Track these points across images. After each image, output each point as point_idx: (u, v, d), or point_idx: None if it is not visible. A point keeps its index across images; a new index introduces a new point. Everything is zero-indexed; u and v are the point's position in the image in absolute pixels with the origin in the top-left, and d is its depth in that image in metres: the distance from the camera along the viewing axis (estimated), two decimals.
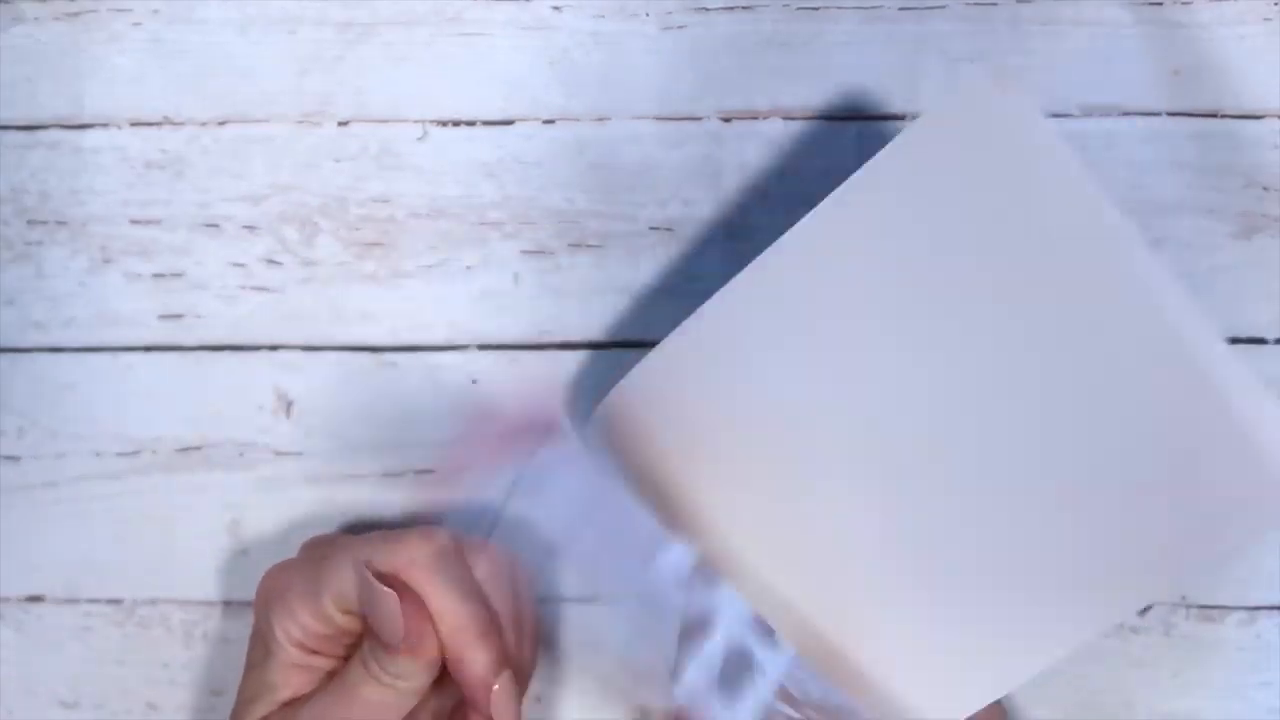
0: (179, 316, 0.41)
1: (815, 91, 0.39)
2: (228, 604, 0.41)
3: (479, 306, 0.40)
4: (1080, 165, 0.25)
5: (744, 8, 0.39)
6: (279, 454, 0.41)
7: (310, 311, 0.40)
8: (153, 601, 0.41)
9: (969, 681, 0.27)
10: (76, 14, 0.41)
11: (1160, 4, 0.39)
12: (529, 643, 0.36)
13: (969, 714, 0.28)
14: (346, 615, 0.34)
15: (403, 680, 0.34)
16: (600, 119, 0.40)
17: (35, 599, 0.42)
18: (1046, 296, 0.25)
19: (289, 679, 0.35)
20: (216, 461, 0.41)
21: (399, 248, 0.40)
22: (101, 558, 0.41)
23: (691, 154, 0.40)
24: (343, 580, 0.33)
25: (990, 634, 0.26)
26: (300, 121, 0.40)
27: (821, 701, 0.29)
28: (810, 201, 0.39)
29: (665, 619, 0.33)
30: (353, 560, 0.33)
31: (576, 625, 0.41)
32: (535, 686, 0.41)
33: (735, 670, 0.31)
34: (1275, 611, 0.40)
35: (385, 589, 0.32)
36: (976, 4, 0.39)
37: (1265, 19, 0.39)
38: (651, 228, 0.40)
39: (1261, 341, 0.39)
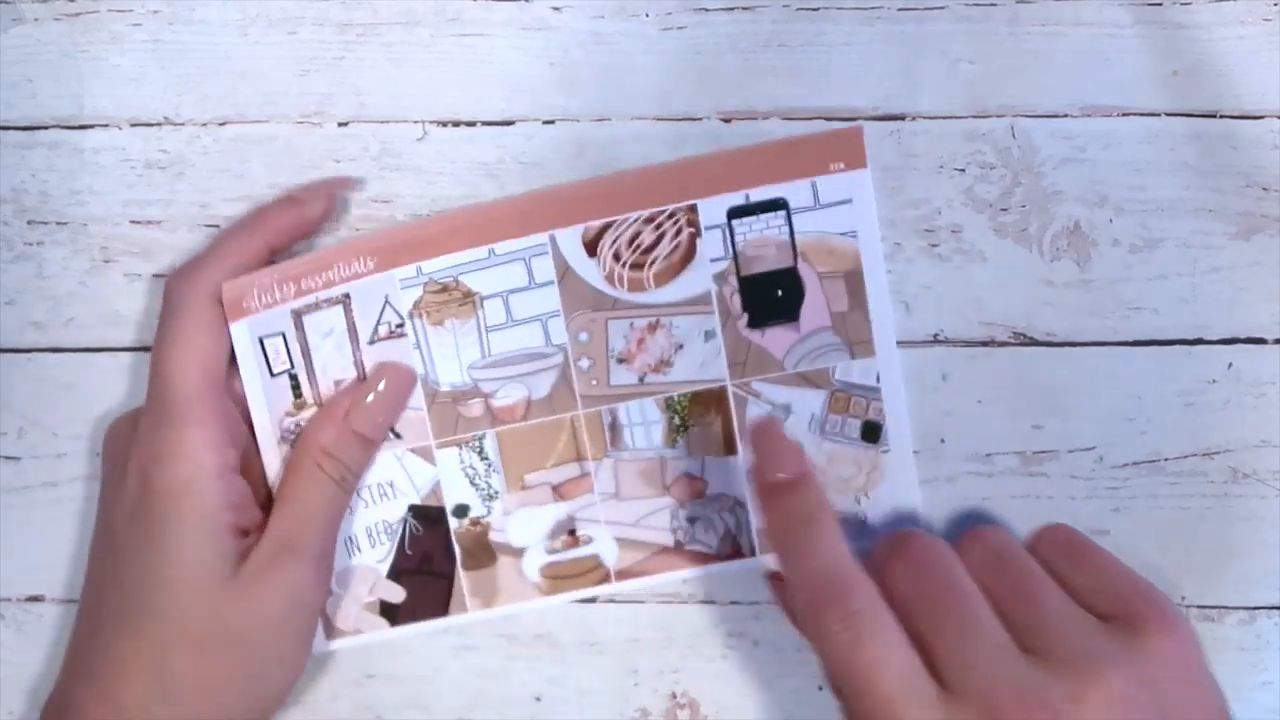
0: None
1: (815, 91, 0.39)
2: None
3: None
4: None
5: (744, 8, 0.39)
6: None
7: None
8: None
9: None
10: (76, 14, 0.41)
11: (1160, 4, 0.39)
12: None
13: None
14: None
15: (351, 470, 0.37)
16: (600, 119, 0.40)
17: (35, 599, 0.42)
18: None
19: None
20: None
21: None
22: None
23: (691, 154, 0.40)
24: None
25: None
26: (300, 122, 0.40)
27: None
28: None
29: None
30: None
31: (576, 625, 0.41)
32: (535, 686, 0.41)
33: None
34: (1274, 611, 0.40)
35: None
36: (976, 4, 0.39)
37: (1265, 19, 0.39)
38: None
39: (1261, 341, 0.39)
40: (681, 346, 0.38)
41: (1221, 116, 0.39)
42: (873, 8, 0.39)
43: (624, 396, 0.39)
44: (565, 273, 0.38)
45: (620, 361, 0.38)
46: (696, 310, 0.38)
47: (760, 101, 0.39)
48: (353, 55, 0.40)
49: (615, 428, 0.39)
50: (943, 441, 0.39)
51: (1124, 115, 0.39)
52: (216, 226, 0.40)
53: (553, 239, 0.38)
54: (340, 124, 0.40)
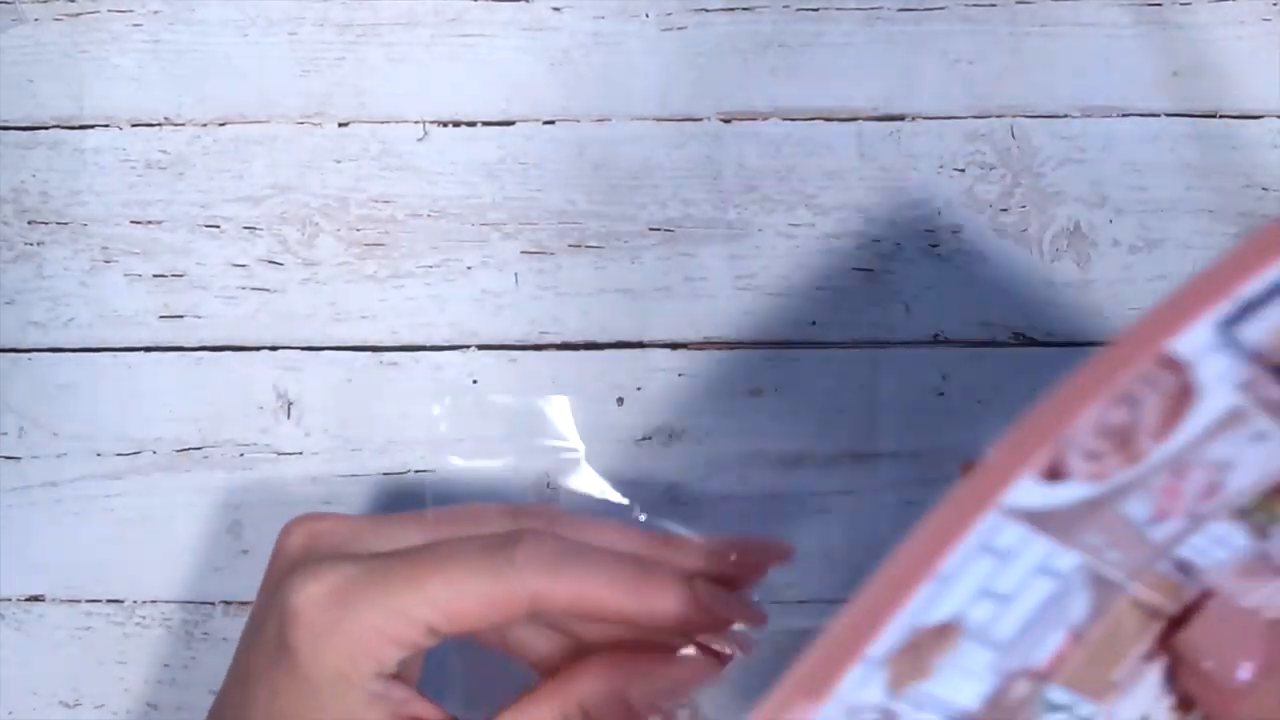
0: (179, 316, 0.41)
1: (815, 91, 0.39)
2: (228, 604, 0.41)
3: (479, 306, 0.40)
4: None
5: (744, 8, 0.39)
6: (279, 454, 0.41)
7: (310, 311, 0.40)
8: (153, 601, 0.41)
9: None
10: (77, 14, 0.41)
11: (1160, 5, 0.39)
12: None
13: None
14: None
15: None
16: (600, 119, 0.40)
17: (35, 599, 0.42)
18: None
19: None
20: (216, 461, 0.41)
21: (399, 248, 0.40)
22: (101, 558, 0.41)
23: (691, 154, 0.40)
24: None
25: None
26: (301, 122, 0.40)
27: None
28: (810, 202, 0.39)
29: None
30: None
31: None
32: None
33: None
34: None
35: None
36: (976, 4, 0.39)
37: (1264, 19, 0.39)
38: (651, 228, 0.40)
39: None
40: (1229, 464, 0.28)
41: (1221, 116, 0.39)
42: (873, 8, 0.39)
43: (1176, 540, 0.29)
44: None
45: (1153, 522, 0.28)
46: (1225, 429, 0.28)
47: (760, 101, 0.39)
48: (353, 55, 0.40)
49: (1186, 564, 0.30)
50: (942, 442, 0.39)
51: (1124, 115, 0.39)
52: (217, 227, 0.40)
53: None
54: (340, 124, 0.40)
